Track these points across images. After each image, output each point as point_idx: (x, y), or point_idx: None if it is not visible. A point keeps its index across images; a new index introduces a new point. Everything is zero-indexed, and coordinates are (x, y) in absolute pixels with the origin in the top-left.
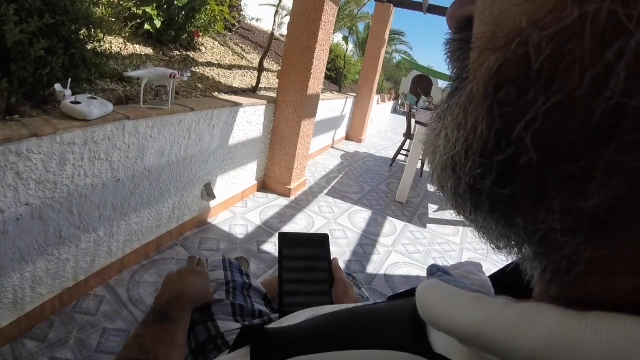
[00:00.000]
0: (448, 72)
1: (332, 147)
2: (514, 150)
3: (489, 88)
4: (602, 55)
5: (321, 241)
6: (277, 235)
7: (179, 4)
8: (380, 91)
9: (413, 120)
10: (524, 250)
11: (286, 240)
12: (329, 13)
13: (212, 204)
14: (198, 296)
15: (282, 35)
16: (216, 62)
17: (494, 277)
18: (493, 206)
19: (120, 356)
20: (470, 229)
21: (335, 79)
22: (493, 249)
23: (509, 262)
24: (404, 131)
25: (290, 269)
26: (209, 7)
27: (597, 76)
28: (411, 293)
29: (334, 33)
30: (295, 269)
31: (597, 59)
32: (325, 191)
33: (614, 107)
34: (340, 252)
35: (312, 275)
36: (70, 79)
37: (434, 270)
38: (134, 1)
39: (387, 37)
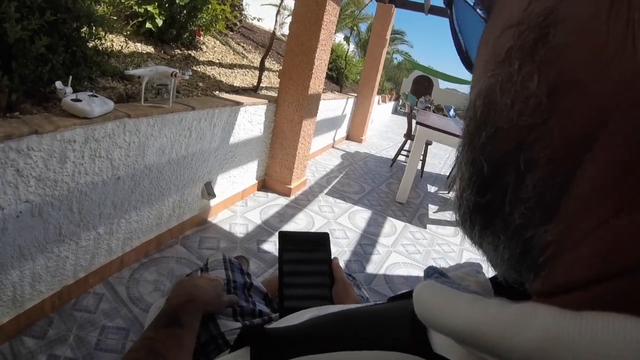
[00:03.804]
0: (449, 72)
1: (333, 147)
2: (480, 165)
3: (477, 102)
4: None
5: (321, 240)
6: (277, 234)
7: (180, 3)
8: (381, 91)
9: (414, 121)
10: (510, 260)
11: (286, 239)
12: (331, 13)
13: (213, 202)
14: (208, 301)
15: (283, 35)
16: (217, 61)
17: (494, 279)
18: (483, 219)
19: (127, 357)
20: None
21: (337, 78)
22: (494, 268)
23: None
24: (405, 132)
25: (290, 268)
26: (210, 6)
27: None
28: (411, 294)
29: (335, 33)
30: (295, 269)
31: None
32: (326, 191)
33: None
34: (340, 251)
35: (312, 275)
36: (71, 77)
37: (431, 272)
38: None
39: (388, 37)
